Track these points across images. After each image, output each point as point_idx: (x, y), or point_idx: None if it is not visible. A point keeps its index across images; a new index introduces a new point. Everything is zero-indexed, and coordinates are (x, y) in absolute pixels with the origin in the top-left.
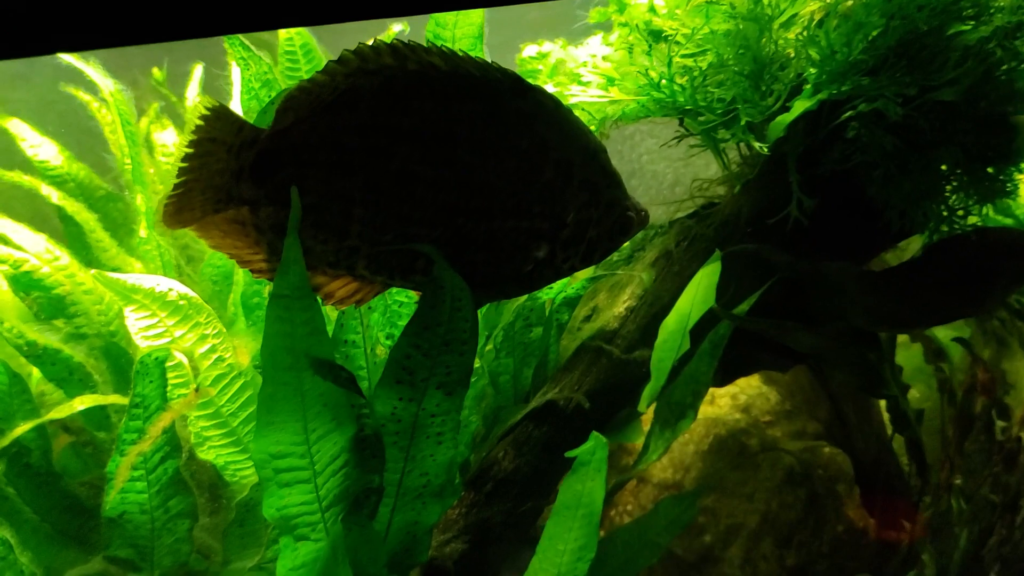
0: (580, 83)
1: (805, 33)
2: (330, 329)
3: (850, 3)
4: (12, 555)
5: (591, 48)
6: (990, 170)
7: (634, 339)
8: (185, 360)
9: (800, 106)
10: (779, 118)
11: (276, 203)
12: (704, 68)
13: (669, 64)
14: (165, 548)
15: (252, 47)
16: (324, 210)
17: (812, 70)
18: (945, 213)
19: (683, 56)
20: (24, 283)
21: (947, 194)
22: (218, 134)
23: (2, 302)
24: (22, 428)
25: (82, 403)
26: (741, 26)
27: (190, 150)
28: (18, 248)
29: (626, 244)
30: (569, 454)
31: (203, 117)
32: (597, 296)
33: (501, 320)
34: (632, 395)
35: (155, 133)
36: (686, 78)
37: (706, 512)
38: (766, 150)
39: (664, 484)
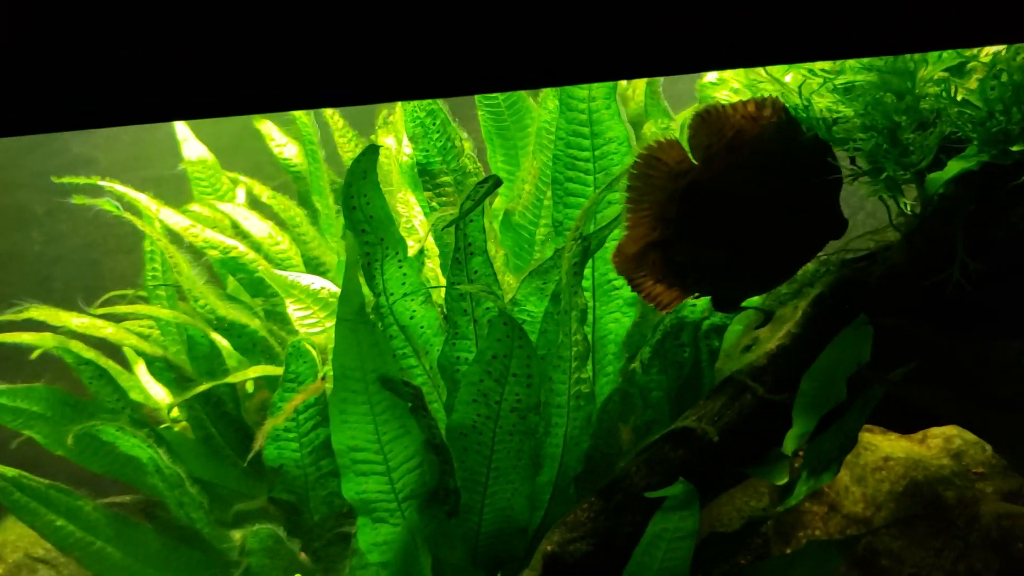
0: (729, 87)
1: (957, 90)
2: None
3: (1011, 63)
4: (184, 487)
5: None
6: None
7: (783, 378)
8: (314, 352)
9: (956, 166)
10: (933, 175)
11: (692, 234)
12: (838, 113)
13: (800, 95)
14: (320, 499)
15: None
16: (709, 233)
17: (970, 129)
18: None
19: (826, 104)
20: (231, 266)
21: None
22: (664, 155)
23: (193, 282)
24: (211, 383)
25: (256, 372)
26: (877, 79)
27: (637, 170)
28: (246, 232)
29: (796, 276)
30: (655, 494)
31: (655, 142)
32: (762, 326)
33: (647, 340)
34: (776, 434)
35: (383, 138)
36: (822, 117)
37: (892, 556)
38: (914, 208)
39: (853, 517)
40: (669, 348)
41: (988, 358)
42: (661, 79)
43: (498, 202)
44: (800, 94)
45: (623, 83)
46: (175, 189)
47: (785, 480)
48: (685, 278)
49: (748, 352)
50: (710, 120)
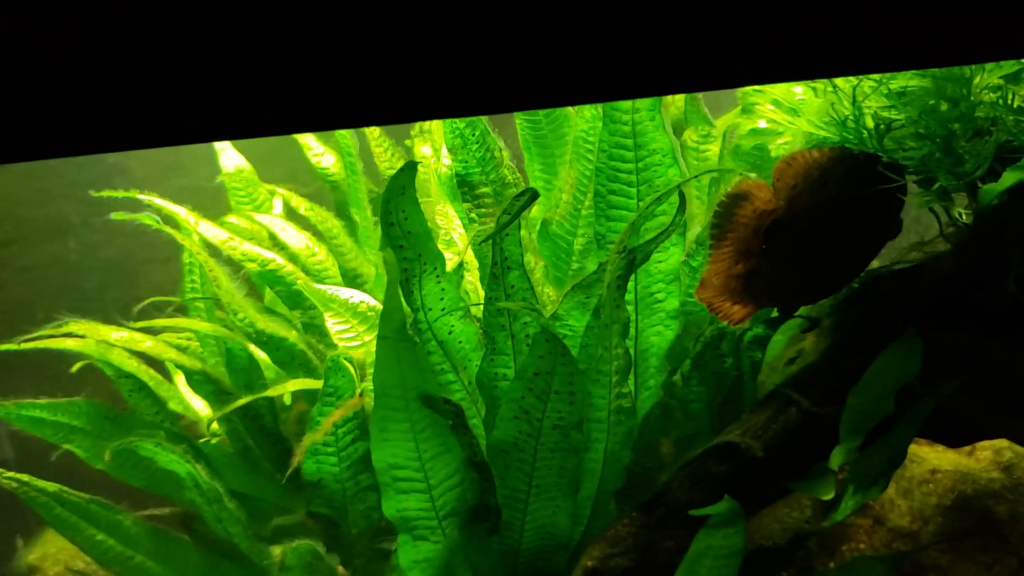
0: (770, 100)
1: (1014, 97)
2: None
3: None
4: (222, 502)
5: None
6: None
7: (829, 391)
8: (352, 367)
9: (1012, 177)
10: (988, 186)
11: (773, 263)
12: (891, 119)
13: (853, 102)
14: (358, 512)
15: None
16: (790, 262)
17: None
18: None
19: (876, 107)
20: (269, 279)
21: None
22: (752, 195)
23: (232, 295)
24: (250, 397)
25: (294, 385)
26: (931, 85)
27: (723, 208)
28: (283, 244)
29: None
30: (700, 512)
31: (744, 183)
32: (806, 338)
33: (688, 352)
34: (822, 448)
35: (419, 146)
36: (873, 124)
37: (939, 571)
38: (965, 217)
39: (900, 531)
40: (710, 359)
41: None
42: None
43: (535, 212)
44: (854, 102)
45: None
46: (212, 199)
47: (832, 495)
48: (760, 297)
49: (792, 364)
50: (796, 164)
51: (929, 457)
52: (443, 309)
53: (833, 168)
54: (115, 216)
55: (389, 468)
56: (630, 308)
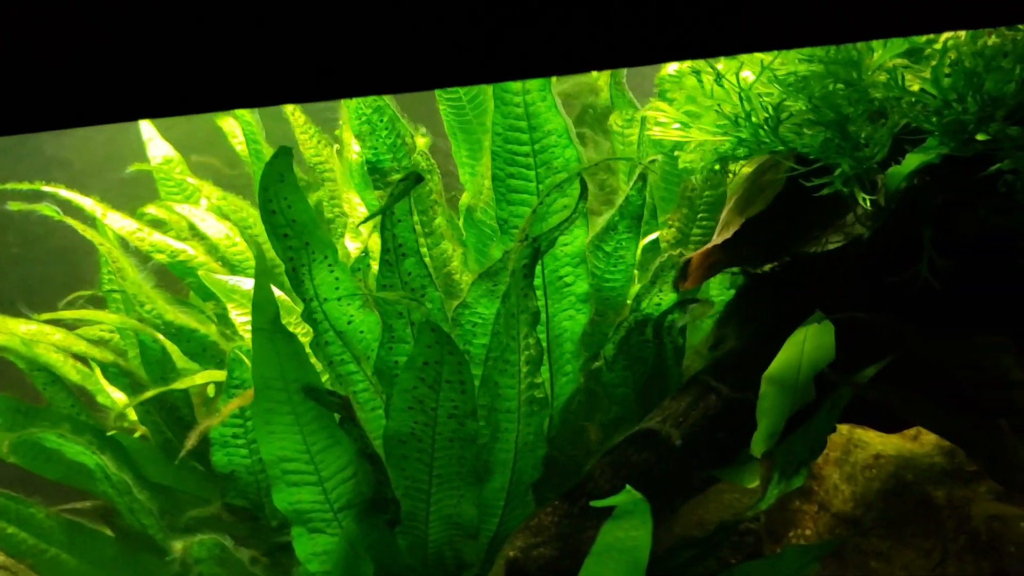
0: (657, 124)
1: (904, 78)
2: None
3: (965, 48)
4: (132, 493)
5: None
6: None
7: (750, 377)
8: (246, 360)
9: (915, 159)
10: (893, 169)
11: None
12: (779, 108)
13: (742, 100)
14: (274, 505)
15: None
16: None
17: (927, 117)
18: None
19: (764, 96)
20: (179, 270)
21: None
22: None
23: (139, 286)
24: (157, 390)
25: (202, 378)
26: (823, 69)
27: None
28: (202, 234)
29: (765, 270)
30: (602, 503)
31: None
32: (730, 323)
33: (610, 337)
34: (745, 435)
35: (348, 135)
36: (764, 116)
37: (881, 557)
38: (868, 204)
39: (843, 516)
40: (634, 344)
41: (966, 359)
42: (624, 71)
43: (465, 198)
44: (741, 90)
45: (593, 74)
46: (150, 189)
47: (755, 483)
48: None
49: (716, 349)
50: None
51: (874, 442)
52: (339, 299)
53: None
54: (12, 206)
55: (278, 461)
56: (540, 293)
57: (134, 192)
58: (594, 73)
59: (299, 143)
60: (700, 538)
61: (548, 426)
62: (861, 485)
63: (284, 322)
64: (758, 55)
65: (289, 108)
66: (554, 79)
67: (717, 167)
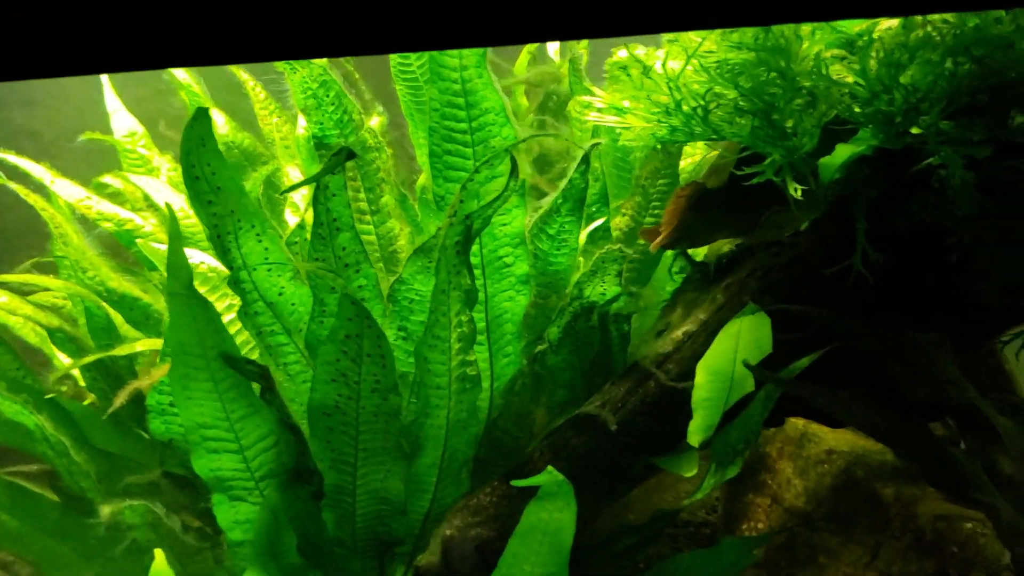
0: (594, 109)
1: (827, 68)
2: None
3: (887, 36)
4: (70, 455)
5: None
6: None
7: (688, 367)
8: None
9: (845, 151)
10: (824, 160)
11: None
12: (706, 97)
13: (671, 89)
14: None
15: None
16: None
17: (857, 108)
18: None
19: (698, 84)
20: (126, 239)
21: None
22: None
23: (82, 253)
24: (94, 356)
25: (143, 345)
26: (754, 58)
27: None
28: (156, 205)
29: (712, 259)
30: (519, 482)
31: None
32: (675, 311)
33: (555, 321)
34: (682, 423)
35: None
36: (697, 106)
37: (829, 553)
38: (799, 194)
39: (795, 510)
40: (580, 329)
41: (902, 355)
42: (585, 59)
43: (422, 179)
44: (669, 80)
45: (556, 62)
46: (118, 161)
47: (693, 472)
48: None
49: (659, 337)
50: None
51: (827, 437)
52: (269, 269)
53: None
54: None
55: (197, 427)
56: (478, 272)
57: (104, 164)
58: (557, 61)
59: (258, 118)
60: (638, 525)
61: (490, 407)
62: (813, 480)
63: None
64: (686, 42)
65: (249, 84)
66: (490, 54)
67: (658, 149)
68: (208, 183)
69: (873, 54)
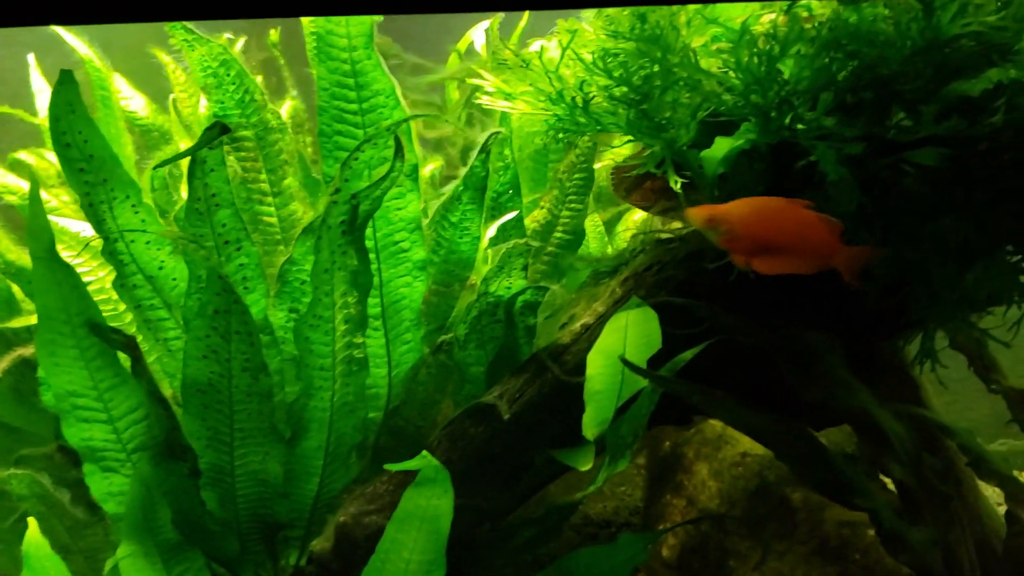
0: (485, 92)
1: (697, 59)
2: None
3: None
4: None
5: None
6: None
7: (584, 359)
8: None
9: (724, 144)
10: (705, 153)
11: None
12: (583, 87)
13: (550, 79)
14: None
15: (195, 30)
16: None
17: (728, 97)
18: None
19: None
20: None
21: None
22: None
23: None
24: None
25: (26, 321)
26: (626, 47)
27: None
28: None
29: (612, 256)
30: (397, 467)
31: None
32: (579, 304)
33: (457, 315)
34: (578, 415)
35: None
36: (579, 96)
37: (739, 557)
38: (679, 187)
39: (709, 512)
40: (486, 325)
41: (792, 354)
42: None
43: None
44: (548, 72)
45: (484, 55)
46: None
47: (588, 466)
48: None
49: (563, 329)
50: None
51: (743, 439)
52: (147, 242)
53: None
54: None
55: (67, 395)
56: (372, 256)
57: (36, 143)
58: (484, 54)
59: (177, 100)
60: (535, 518)
61: (388, 394)
62: (727, 483)
63: None
64: (568, 33)
65: (170, 66)
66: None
67: (576, 143)
68: (80, 150)
69: (745, 44)
